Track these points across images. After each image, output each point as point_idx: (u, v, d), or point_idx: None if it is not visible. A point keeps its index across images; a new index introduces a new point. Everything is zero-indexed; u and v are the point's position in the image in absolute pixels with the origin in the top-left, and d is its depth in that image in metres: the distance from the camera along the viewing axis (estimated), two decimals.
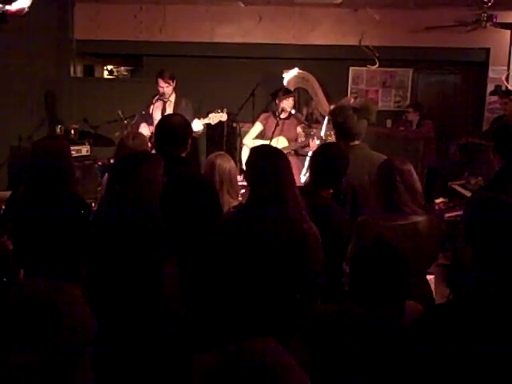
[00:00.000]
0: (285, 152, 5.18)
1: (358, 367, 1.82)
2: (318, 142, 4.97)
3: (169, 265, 2.27)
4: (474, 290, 1.64)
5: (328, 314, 1.95)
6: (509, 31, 6.96)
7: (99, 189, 4.77)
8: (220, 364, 0.94)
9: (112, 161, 4.48)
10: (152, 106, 5.15)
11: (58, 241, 2.78)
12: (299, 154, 5.26)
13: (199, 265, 2.57)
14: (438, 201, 5.54)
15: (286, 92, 5.35)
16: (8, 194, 3.23)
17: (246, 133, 5.66)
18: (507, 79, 7.06)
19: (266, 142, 5.07)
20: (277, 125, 5.11)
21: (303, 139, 5.24)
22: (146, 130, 4.99)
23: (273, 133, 5.06)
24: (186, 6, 7.36)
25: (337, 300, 2.11)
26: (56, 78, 6.87)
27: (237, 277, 2.36)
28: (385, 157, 3.13)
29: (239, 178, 3.56)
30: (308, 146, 5.08)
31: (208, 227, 2.56)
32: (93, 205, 4.07)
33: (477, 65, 7.73)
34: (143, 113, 5.09)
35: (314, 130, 5.43)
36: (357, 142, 3.42)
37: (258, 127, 5.42)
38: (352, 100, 4.79)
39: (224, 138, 6.17)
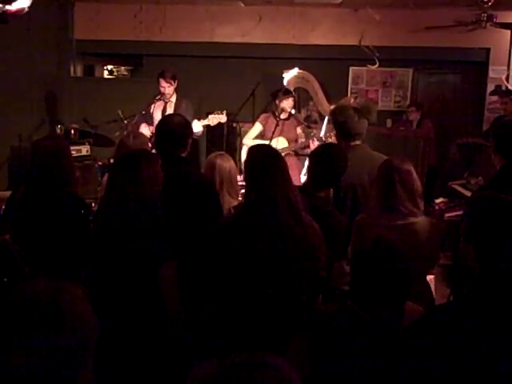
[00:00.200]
0: (285, 152, 5.22)
1: (357, 367, 1.82)
2: (317, 142, 4.96)
3: (168, 266, 2.27)
4: (476, 289, 1.64)
5: (328, 314, 1.95)
6: (509, 31, 6.96)
7: (99, 189, 4.76)
8: (215, 376, 0.93)
9: (112, 161, 4.48)
10: (153, 106, 5.14)
11: (57, 241, 2.78)
12: (299, 154, 5.26)
13: (199, 265, 2.57)
14: (438, 201, 5.54)
15: (286, 92, 5.35)
16: (8, 193, 3.22)
17: (245, 133, 5.65)
18: (507, 79, 7.06)
19: (266, 143, 5.07)
20: (277, 125, 5.11)
21: (303, 140, 5.24)
22: (146, 130, 4.99)
23: (273, 133, 5.06)
24: (186, 6, 7.36)
25: (337, 300, 2.11)
26: (56, 77, 6.87)
27: (238, 280, 2.35)
28: (385, 157, 3.13)
29: (239, 177, 3.56)
30: (308, 146, 5.07)
31: (208, 227, 2.56)
32: (93, 205, 4.07)
33: (477, 65, 7.73)
34: (143, 113, 5.09)
35: (314, 131, 5.44)
36: (357, 142, 3.42)
37: (257, 127, 5.41)
38: (352, 100, 4.80)
39: (224, 138, 6.16)
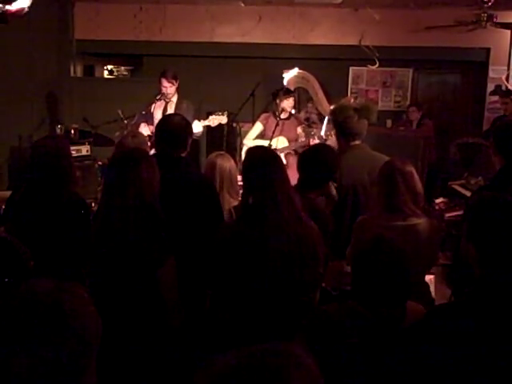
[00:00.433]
0: (285, 152, 5.21)
1: (359, 367, 1.82)
2: (318, 141, 4.96)
3: (167, 265, 2.27)
4: (476, 290, 1.64)
5: (330, 314, 1.94)
6: (509, 31, 6.96)
7: (99, 189, 4.76)
8: (232, 367, 0.92)
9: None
10: (153, 106, 5.14)
11: (58, 241, 2.78)
12: (299, 153, 5.26)
13: (199, 265, 2.57)
14: (438, 201, 5.55)
15: (287, 92, 5.34)
16: (8, 193, 3.22)
17: (246, 133, 5.65)
18: (507, 79, 7.06)
19: (267, 142, 5.07)
20: (277, 125, 5.10)
21: (303, 139, 5.24)
22: (145, 129, 4.99)
23: (273, 133, 5.05)
24: (186, 6, 7.36)
25: (337, 300, 2.11)
26: (56, 78, 6.86)
27: (242, 281, 2.34)
28: (385, 157, 3.13)
29: (239, 177, 3.56)
30: (308, 145, 5.07)
31: (208, 228, 2.56)
32: (93, 205, 4.07)
33: (477, 65, 7.73)
34: (143, 113, 5.08)
35: (315, 130, 5.43)
36: (357, 142, 3.42)
37: (258, 127, 5.41)
38: (352, 100, 4.80)
39: (224, 138, 6.15)
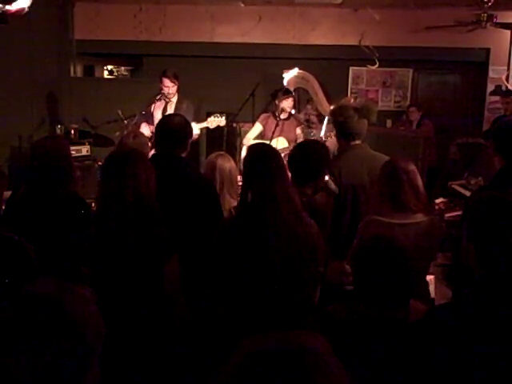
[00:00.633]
0: (285, 153, 5.21)
1: (364, 368, 1.81)
2: None
3: (170, 263, 2.27)
4: (477, 289, 1.64)
5: (335, 315, 1.94)
6: (509, 31, 6.96)
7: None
8: (260, 350, 0.92)
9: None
10: (153, 106, 5.14)
11: (58, 241, 2.78)
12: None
13: (199, 265, 2.57)
14: (437, 201, 5.54)
15: (286, 92, 5.35)
16: (8, 194, 3.22)
17: (245, 133, 5.65)
18: (507, 79, 7.06)
19: (266, 143, 5.07)
20: (276, 125, 5.11)
21: (303, 140, 5.24)
22: (146, 130, 4.99)
23: (273, 133, 5.06)
24: (186, 6, 7.36)
25: (342, 300, 2.10)
26: (56, 78, 6.86)
27: (242, 280, 2.35)
28: (385, 157, 3.13)
29: (239, 178, 3.56)
30: None
31: (207, 227, 2.56)
32: (93, 205, 4.06)
33: (477, 65, 7.73)
34: (143, 113, 5.08)
35: (314, 131, 5.44)
36: (357, 142, 3.42)
37: (257, 128, 5.41)
38: (352, 100, 4.80)
39: (224, 138, 6.15)
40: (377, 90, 7.97)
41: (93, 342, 1.14)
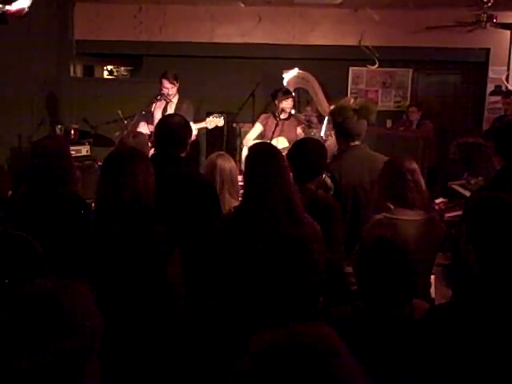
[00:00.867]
0: (285, 152, 5.20)
1: (373, 368, 1.81)
2: None
3: (172, 262, 2.27)
4: (476, 290, 1.64)
5: (339, 316, 1.94)
6: (509, 31, 6.97)
7: None
8: (274, 341, 0.93)
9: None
10: (153, 105, 5.14)
11: (57, 241, 2.77)
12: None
13: (198, 264, 2.57)
14: (438, 201, 5.54)
15: (286, 93, 5.35)
16: (8, 193, 3.22)
17: (245, 133, 5.66)
18: (507, 79, 7.06)
19: (268, 142, 5.07)
20: (277, 125, 5.11)
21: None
22: (144, 128, 4.99)
23: (273, 133, 5.06)
24: (186, 6, 7.36)
25: (345, 300, 2.10)
26: (56, 78, 6.86)
27: (238, 279, 2.35)
28: (385, 157, 3.14)
29: (240, 178, 3.56)
30: None
31: (207, 228, 2.55)
32: (93, 205, 4.06)
33: (477, 65, 7.73)
34: (143, 113, 5.09)
35: (314, 131, 5.43)
36: (357, 143, 3.42)
37: (257, 128, 5.42)
38: (352, 100, 4.80)
39: (224, 139, 6.16)
40: (377, 91, 7.97)
41: (91, 338, 1.14)
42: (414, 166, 2.81)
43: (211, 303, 2.47)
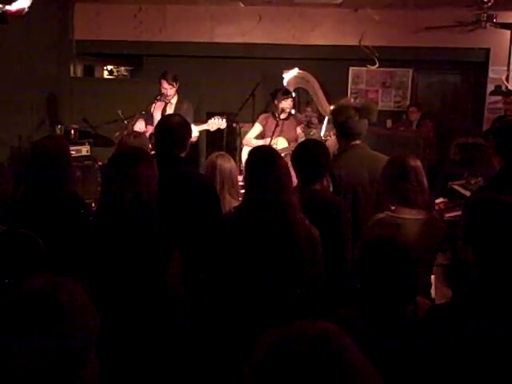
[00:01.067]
0: (285, 153, 5.21)
1: (384, 367, 1.81)
2: None
3: (172, 263, 2.27)
4: (475, 290, 1.64)
5: (344, 318, 1.93)
6: (509, 31, 6.96)
7: (99, 189, 4.76)
8: (283, 338, 0.92)
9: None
10: (153, 106, 5.14)
11: (57, 241, 2.77)
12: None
13: (198, 265, 2.57)
14: (438, 201, 5.53)
15: (285, 93, 5.35)
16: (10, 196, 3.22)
17: (245, 133, 5.65)
18: (507, 79, 7.06)
19: (266, 143, 5.07)
20: (276, 125, 5.11)
21: (303, 140, 5.23)
22: (141, 124, 4.97)
23: (273, 133, 5.05)
24: (186, 6, 7.36)
25: (349, 301, 2.10)
26: (56, 78, 6.87)
27: (236, 280, 2.35)
28: (385, 157, 3.14)
29: (240, 178, 3.56)
30: None
31: (207, 228, 2.56)
32: (93, 205, 4.07)
33: (477, 65, 7.73)
34: (143, 113, 5.09)
35: (314, 131, 5.43)
36: (357, 142, 3.42)
37: (257, 128, 5.41)
38: (352, 100, 4.80)
39: (224, 139, 6.16)
40: (377, 90, 7.97)
41: (88, 333, 1.15)
42: (418, 163, 2.80)
43: (208, 299, 2.48)
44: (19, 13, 4.17)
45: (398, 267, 1.88)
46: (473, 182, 5.41)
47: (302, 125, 5.43)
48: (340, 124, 3.46)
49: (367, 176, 3.26)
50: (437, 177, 6.82)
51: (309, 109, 6.41)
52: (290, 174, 2.47)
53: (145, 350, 2.23)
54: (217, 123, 5.03)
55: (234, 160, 3.62)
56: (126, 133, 4.52)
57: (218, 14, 7.42)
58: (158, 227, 2.29)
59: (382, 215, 2.78)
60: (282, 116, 5.24)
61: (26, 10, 4.20)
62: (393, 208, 2.78)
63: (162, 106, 5.16)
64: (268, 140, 5.07)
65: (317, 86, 5.64)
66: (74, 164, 3.20)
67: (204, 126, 5.06)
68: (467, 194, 5.21)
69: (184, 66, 6.99)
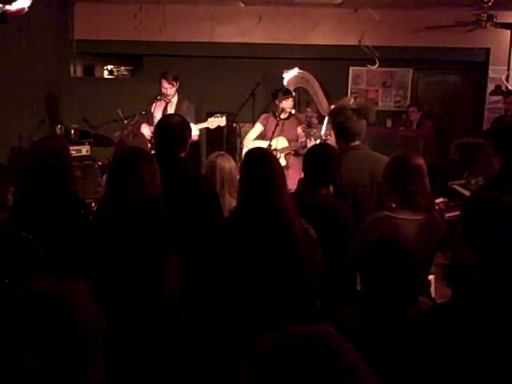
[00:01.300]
0: (285, 152, 5.20)
1: (386, 370, 1.81)
2: (314, 141, 4.96)
3: (170, 263, 2.27)
4: (475, 290, 1.64)
5: (348, 319, 1.93)
6: (509, 31, 6.96)
7: (99, 189, 4.77)
8: (281, 339, 0.93)
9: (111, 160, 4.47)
10: (153, 105, 5.14)
11: (57, 241, 2.78)
12: (300, 154, 5.26)
13: (198, 265, 2.57)
14: (438, 201, 5.54)
15: (286, 92, 5.35)
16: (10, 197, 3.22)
17: (245, 133, 5.65)
18: (507, 79, 7.06)
19: (266, 143, 5.07)
20: (277, 125, 5.11)
21: (303, 139, 5.24)
22: (147, 130, 4.99)
23: (273, 133, 5.06)
24: (186, 6, 7.36)
25: (353, 302, 2.10)
26: (56, 78, 6.87)
27: (235, 282, 2.35)
28: (385, 157, 3.13)
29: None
30: (306, 146, 5.07)
31: (207, 228, 2.56)
32: (93, 205, 4.07)
33: (477, 65, 7.73)
34: (143, 113, 5.08)
35: (314, 130, 5.43)
36: (357, 143, 3.42)
37: (258, 128, 5.42)
38: (352, 100, 4.80)
39: (224, 139, 6.16)
40: (377, 90, 7.97)
41: (94, 333, 1.15)
42: (421, 161, 2.78)
43: (207, 301, 2.49)
44: (19, 12, 4.17)
45: (402, 267, 1.88)
46: (473, 181, 5.41)
47: (303, 124, 5.43)
48: (339, 125, 3.46)
49: (368, 177, 3.26)
50: (437, 177, 6.82)
51: (309, 109, 6.41)
52: (283, 175, 2.46)
53: (144, 349, 2.23)
54: (217, 121, 5.04)
55: (234, 160, 3.63)
56: (125, 133, 4.52)
57: (218, 14, 7.42)
58: (159, 228, 2.29)
59: (379, 214, 2.77)
60: (283, 116, 5.24)
61: (26, 9, 4.20)
62: (392, 208, 2.77)
63: (163, 106, 5.16)
64: (268, 140, 5.07)
65: (317, 85, 5.65)
66: (74, 164, 3.21)
67: (204, 124, 5.07)
68: (467, 193, 5.21)
69: (184, 65, 6.99)
